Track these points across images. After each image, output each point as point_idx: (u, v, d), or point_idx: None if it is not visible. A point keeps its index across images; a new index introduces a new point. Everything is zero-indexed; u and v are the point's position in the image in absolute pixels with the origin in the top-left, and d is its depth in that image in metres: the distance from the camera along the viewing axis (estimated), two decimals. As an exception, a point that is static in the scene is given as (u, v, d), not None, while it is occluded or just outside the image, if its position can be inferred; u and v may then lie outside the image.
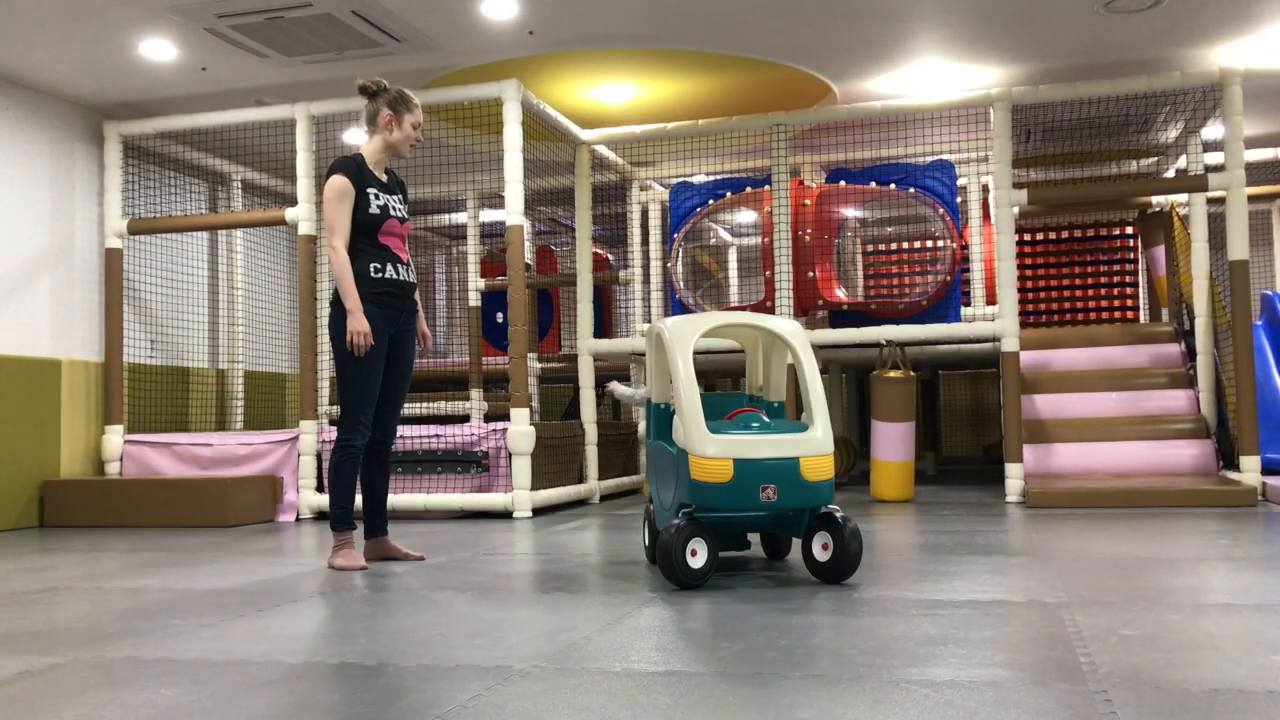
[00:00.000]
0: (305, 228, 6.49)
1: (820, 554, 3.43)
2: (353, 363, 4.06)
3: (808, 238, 6.94)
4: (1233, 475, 6.04)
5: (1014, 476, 6.22)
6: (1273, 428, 6.86)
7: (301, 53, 6.03)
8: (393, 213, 4.16)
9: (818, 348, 6.55)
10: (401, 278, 4.18)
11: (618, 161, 7.94)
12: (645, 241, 8.74)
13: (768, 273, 6.97)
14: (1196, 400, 6.75)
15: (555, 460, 6.58)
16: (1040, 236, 9.25)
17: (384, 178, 4.24)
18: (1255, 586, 3.18)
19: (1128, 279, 9.06)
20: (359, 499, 4.27)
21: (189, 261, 7.65)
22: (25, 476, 6.31)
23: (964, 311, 7.66)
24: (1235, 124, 6.07)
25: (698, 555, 3.33)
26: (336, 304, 4.09)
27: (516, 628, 2.82)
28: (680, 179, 7.79)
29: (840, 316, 7.11)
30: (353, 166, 4.12)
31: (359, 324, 4.00)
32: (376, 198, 4.13)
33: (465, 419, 7.83)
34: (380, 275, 4.11)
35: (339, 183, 4.07)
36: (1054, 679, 2.15)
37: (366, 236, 4.10)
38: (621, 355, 7.62)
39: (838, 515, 3.42)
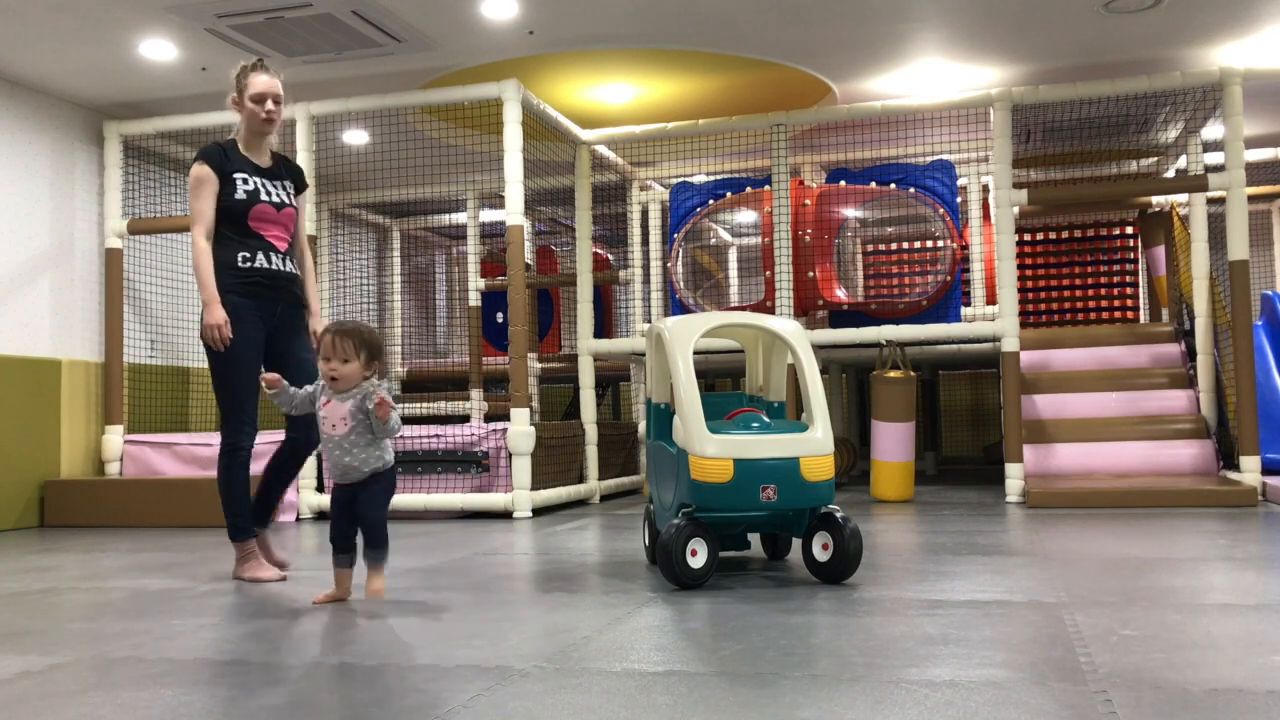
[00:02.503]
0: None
1: (820, 554, 3.43)
2: (223, 359, 3.77)
3: (808, 238, 6.94)
4: (1233, 475, 6.03)
5: (1014, 476, 6.21)
6: (1273, 428, 6.85)
7: (301, 53, 6.03)
8: (265, 197, 3.87)
9: (818, 348, 6.55)
10: (275, 267, 3.87)
11: (618, 161, 7.93)
12: (645, 241, 8.74)
13: (768, 273, 6.96)
14: (1196, 400, 6.75)
15: (555, 460, 6.58)
16: (1040, 236, 9.25)
17: (264, 162, 3.95)
18: (1255, 586, 3.18)
19: (1128, 279, 9.07)
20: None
21: (189, 261, 7.63)
22: (25, 476, 6.31)
23: (964, 311, 7.66)
24: (1235, 124, 6.07)
25: (698, 555, 3.33)
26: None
27: (516, 628, 2.82)
28: (680, 179, 7.79)
29: (840, 316, 7.11)
30: (216, 152, 3.85)
31: (212, 316, 3.72)
32: (245, 182, 3.84)
33: (465, 419, 7.83)
34: (249, 265, 3.82)
35: (196, 170, 3.81)
36: (1054, 679, 2.15)
37: (233, 223, 3.81)
38: (621, 355, 7.62)
39: (838, 515, 3.42)
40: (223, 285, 3.79)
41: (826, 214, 6.94)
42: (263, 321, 3.86)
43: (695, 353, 3.59)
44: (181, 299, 7.56)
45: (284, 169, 4.04)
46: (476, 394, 8.22)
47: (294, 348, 3.93)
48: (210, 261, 3.79)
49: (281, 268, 3.90)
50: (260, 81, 3.89)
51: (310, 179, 6.55)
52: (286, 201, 3.96)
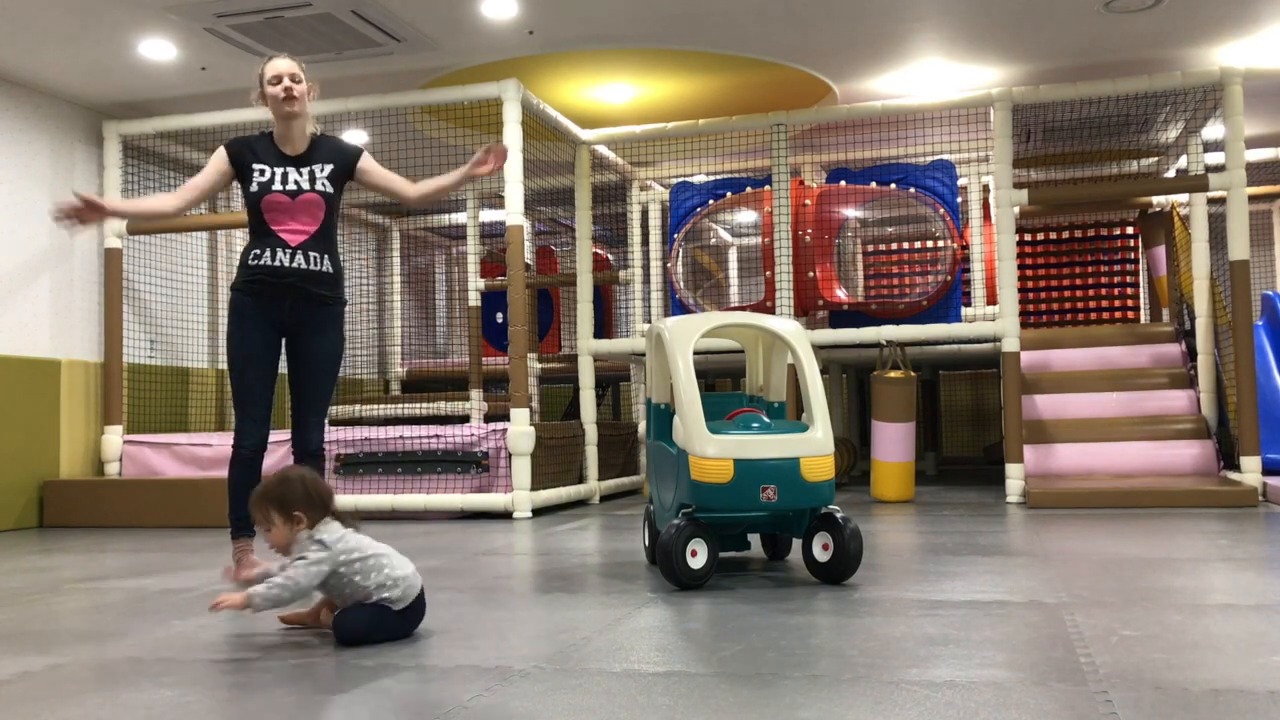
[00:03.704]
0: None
1: (820, 554, 3.42)
2: (228, 361, 3.76)
3: (808, 238, 6.94)
4: (1233, 476, 6.03)
5: (1014, 477, 6.21)
6: (1273, 428, 6.85)
7: (301, 53, 6.00)
8: (279, 186, 3.67)
9: (818, 348, 6.54)
10: (281, 264, 3.65)
11: (618, 161, 7.93)
12: (645, 241, 8.74)
13: (768, 273, 6.96)
14: (1197, 400, 6.74)
15: (555, 460, 6.58)
16: (1041, 236, 9.25)
17: (295, 149, 3.75)
18: (1255, 587, 3.18)
19: (1128, 279, 9.06)
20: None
21: (189, 261, 7.65)
22: (25, 476, 6.31)
23: (964, 311, 7.65)
24: (1235, 124, 6.07)
25: (698, 555, 3.33)
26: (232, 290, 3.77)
27: (516, 628, 2.82)
28: (680, 179, 7.79)
29: (840, 316, 7.11)
30: (242, 142, 3.76)
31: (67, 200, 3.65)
32: (262, 174, 3.68)
33: (465, 419, 7.82)
34: (257, 262, 3.66)
35: (215, 152, 3.77)
36: (1054, 679, 2.15)
37: (253, 219, 3.70)
38: (621, 355, 7.61)
39: (838, 515, 3.41)
40: (235, 282, 3.76)
41: (826, 214, 6.94)
42: (269, 322, 3.71)
43: (695, 353, 3.59)
44: (181, 299, 7.56)
45: (322, 152, 3.79)
46: (476, 394, 8.21)
47: (310, 347, 3.75)
48: (139, 205, 4.10)
49: (288, 263, 3.65)
50: (275, 64, 3.73)
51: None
52: (309, 188, 3.70)
